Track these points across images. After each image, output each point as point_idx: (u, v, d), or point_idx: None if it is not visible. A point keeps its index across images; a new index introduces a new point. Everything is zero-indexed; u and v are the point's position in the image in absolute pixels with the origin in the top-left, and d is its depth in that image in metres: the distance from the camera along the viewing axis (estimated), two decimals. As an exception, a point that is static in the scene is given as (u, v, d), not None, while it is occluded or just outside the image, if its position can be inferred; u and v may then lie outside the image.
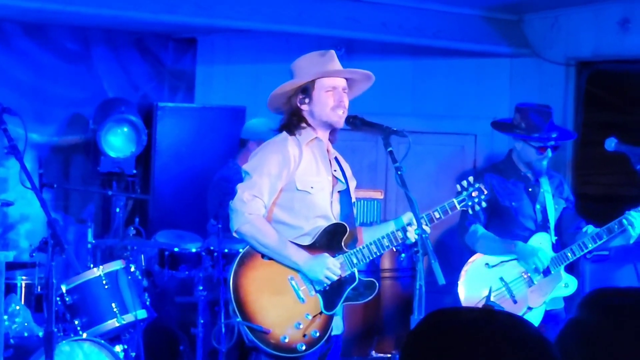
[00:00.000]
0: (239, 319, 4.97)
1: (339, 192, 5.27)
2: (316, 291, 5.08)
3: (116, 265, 6.41)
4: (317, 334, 5.04)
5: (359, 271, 5.19)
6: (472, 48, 9.44)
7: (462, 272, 6.26)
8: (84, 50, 8.70)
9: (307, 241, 5.12)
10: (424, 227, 5.01)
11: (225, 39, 9.05)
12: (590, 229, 6.37)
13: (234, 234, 5.10)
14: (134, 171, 8.24)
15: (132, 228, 7.12)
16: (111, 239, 7.75)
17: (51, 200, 8.31)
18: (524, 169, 6.39)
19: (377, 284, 5.23)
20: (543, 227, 6.33)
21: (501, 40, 9.43)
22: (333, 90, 5.15)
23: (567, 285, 6.28)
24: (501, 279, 6.21)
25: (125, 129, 8.09)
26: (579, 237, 6.26)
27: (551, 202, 6.38)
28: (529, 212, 6.34)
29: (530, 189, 6.37)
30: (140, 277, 6.65)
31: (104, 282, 6.29)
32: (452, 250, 8.81)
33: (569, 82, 9.22)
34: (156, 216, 8.37)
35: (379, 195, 8.33)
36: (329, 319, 5.10)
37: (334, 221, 5.18)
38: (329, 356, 5.25)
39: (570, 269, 6.39)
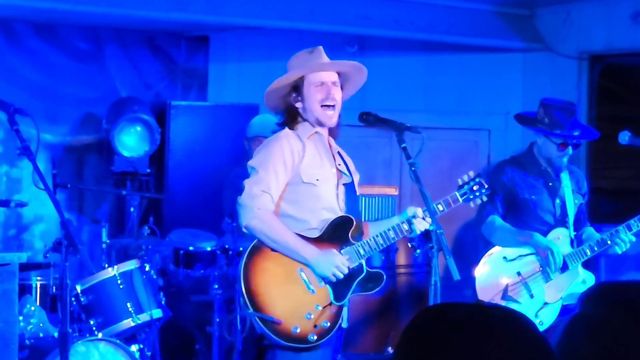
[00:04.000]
0: (251, 310, 4.98)
1: (344, 184, 5.30)
2: (325, 282, 5.10)
3: (131, 264, 6.42)
4: (328, 324, 5.06)
5: (372, 266, 5.20)
6: (485, 43, 9.43)
7: (480, 265, 6.24)
8: (96, 49, 8.70)
9: (314, 234, 5.14)
10: (426, 219, 5.06)
11: (237, 36, 9.05)
12: (588, 230, 6.38)
13: (243, 229, 5.12)
14: (148, 170, 8.24)
15: (147, 227, 7.13)
16: (126, 238, 7.73)
17: (65, 201, 8.31)
18: (544, 163, 6.38)
19: (385, 275, 5.26)
20: (562, 221, 6.31)
21: (513, 35, 9.42)
22: (321, 85, 5.19)
23: (584, 281, 6.25)
24: (518, 273, 6.19)
25: (139, 128, 8.08)
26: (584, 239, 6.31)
27: (571, 197, 6.37)
28: (548, 207, 6.32)
29: (550, 184, 6.35)
30: (155, 277, 6.66)
31: (119, 281, 6.29)
32: (468, 246, 8.80)
33: (581, 76, 9.21)
34: (170, 215, 8.36)
35: (393, 191, 8.31)
36: (339, 309, 5.12)
37: (340, 214, 5.21)
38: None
39: (587, 263, 6.37)
